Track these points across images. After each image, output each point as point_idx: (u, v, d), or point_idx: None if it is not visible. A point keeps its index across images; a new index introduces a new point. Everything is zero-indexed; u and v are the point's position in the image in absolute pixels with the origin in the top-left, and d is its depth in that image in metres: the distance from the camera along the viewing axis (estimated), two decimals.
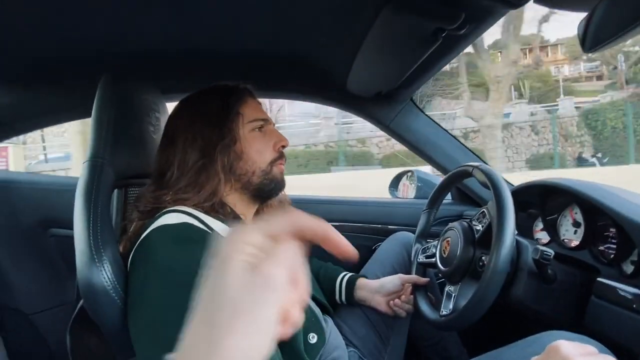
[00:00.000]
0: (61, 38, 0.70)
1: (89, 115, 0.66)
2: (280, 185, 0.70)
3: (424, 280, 0.86)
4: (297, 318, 0.23)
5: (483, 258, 0.72)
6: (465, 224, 0.78)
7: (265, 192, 0.68)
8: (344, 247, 0.24)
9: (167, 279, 0.46)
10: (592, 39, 0.56)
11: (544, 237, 0.91)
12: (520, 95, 15.09)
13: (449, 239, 0.80)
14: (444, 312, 0.76)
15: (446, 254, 0.80)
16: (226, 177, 0.63)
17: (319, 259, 0.98)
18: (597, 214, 0.75)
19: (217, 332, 0.20)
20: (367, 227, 1.20)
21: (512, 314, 0.77)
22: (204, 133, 0.63)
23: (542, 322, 0.71)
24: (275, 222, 0.23)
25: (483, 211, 0.75)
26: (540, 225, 0.93)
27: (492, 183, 0.70)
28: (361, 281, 0.89)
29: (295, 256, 0.23)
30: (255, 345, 0.20)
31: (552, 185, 0.84)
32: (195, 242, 0.50)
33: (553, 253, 0.65)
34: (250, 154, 0.66)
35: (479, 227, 0.75)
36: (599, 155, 10.64)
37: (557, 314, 0.71)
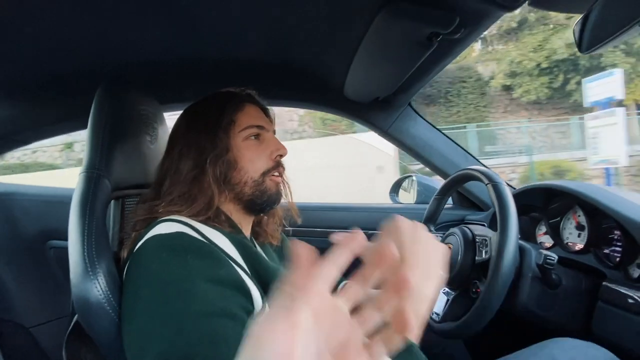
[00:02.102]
0: (59, 49, 0.70)
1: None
2: (273, 198, 0.65)
3: None
4: None
5: (478, 284, 0.71)
6: (468, 233, 0.77)
7: (257, 205, 0.64)
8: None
9: (159, 290, 0.46)
10: (588, 39, 0.56)
11: (547, 240, 0.90)
12: None
13: (450, 244, 0.79)
14: (435, 314, 0.76)
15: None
16: (219, 188, 0.60)
17: None
18: (600, 217, 0.74)
19: None
20: (368, 233, 1.18)
21: (517, 320, 0.75)
22: (198, 142, 0.62)
23: (548, 329, 0.70)
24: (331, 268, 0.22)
25: (486, 240, 0.73)
26: (543, 229, 0.92)
27: (500, 204, 0.68)
28: None
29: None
30: None
31: (554, 188, 0.83)
32: (189, 252, 0.50)
33: (557, 257, 0.64)
34: (241, 163, 0.63)
35: (483, 253, 0.73)
36: None
37: (563, 320, 0.70)
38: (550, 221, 0.88)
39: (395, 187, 1.40)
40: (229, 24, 0.70)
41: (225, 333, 0.43)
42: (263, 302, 0.53)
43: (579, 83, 9.78)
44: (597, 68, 9.64)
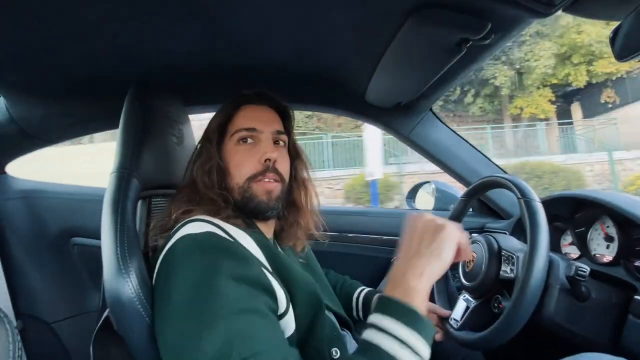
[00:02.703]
0: (90, 52, 0.72)
1: (115, 127, 0.68)
2: (263, 206, 0.60)
3: (446, 312, 0.82)
4: None
5: (500, 299, 0.70)
6: (493, 243, 0.74)
7: (250, 212, 0.61)
8: None
9: (191, 290, 0.46)
10: (619, 48, 0.55)
11: (573, 251, 0.87)
12: None
13: (474, 253, 0.77)
14: (453, 320, 0.75)
15: (469, 268, 0.78)
16: (215, 193, 0.59)
17: (336, 272, 0.96)
18: (631, 228, 0.71)
19: None
20: (384, 238, 1.18)
21: (542, 333, 0.73)
22: (202, 149, 0.65)
23: (575, 343, 0.68)
24: None
25: (513, 257, 0.70)
26: (569, 239, 0.89)
27: (531, 220, 0.65)
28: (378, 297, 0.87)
29: None
30: None
31: (582, 198, 0.81)
32: (219, 251, 0.50)
33: (589, 270, 0.62)
34: (230, 168, 0.61)
35: (508, 269, 0.71)
36: None
37: (592, 334, 0.67)
38: (576, 231, 0.85)
39: (412, 193, 1.39)
40: (254, 30, 0.71)
41: (257, 329, 0.44)
42: (287, 302, 0.54)
43: (474, 95, 9.98)
44: (482, 81, 9.54)
